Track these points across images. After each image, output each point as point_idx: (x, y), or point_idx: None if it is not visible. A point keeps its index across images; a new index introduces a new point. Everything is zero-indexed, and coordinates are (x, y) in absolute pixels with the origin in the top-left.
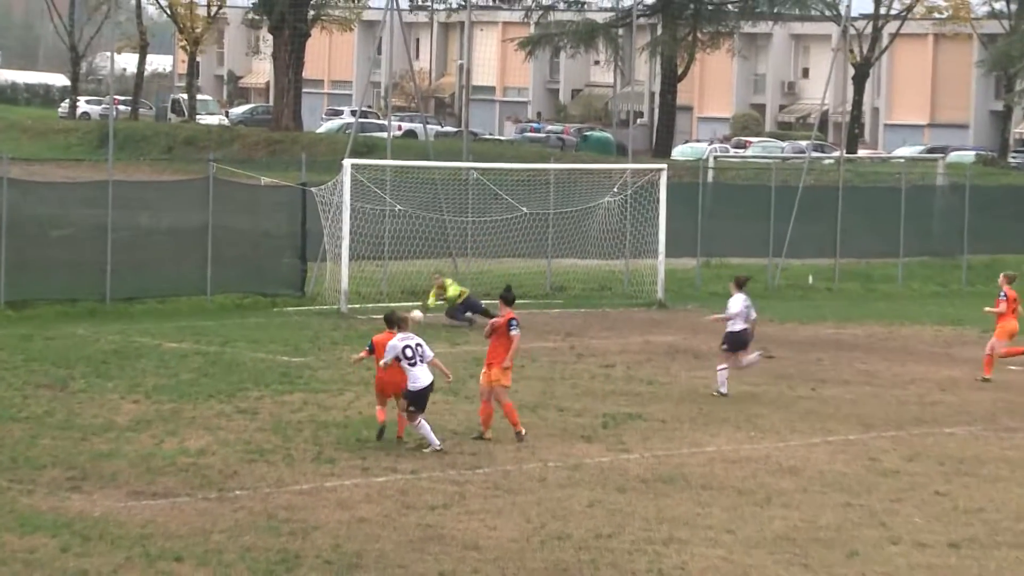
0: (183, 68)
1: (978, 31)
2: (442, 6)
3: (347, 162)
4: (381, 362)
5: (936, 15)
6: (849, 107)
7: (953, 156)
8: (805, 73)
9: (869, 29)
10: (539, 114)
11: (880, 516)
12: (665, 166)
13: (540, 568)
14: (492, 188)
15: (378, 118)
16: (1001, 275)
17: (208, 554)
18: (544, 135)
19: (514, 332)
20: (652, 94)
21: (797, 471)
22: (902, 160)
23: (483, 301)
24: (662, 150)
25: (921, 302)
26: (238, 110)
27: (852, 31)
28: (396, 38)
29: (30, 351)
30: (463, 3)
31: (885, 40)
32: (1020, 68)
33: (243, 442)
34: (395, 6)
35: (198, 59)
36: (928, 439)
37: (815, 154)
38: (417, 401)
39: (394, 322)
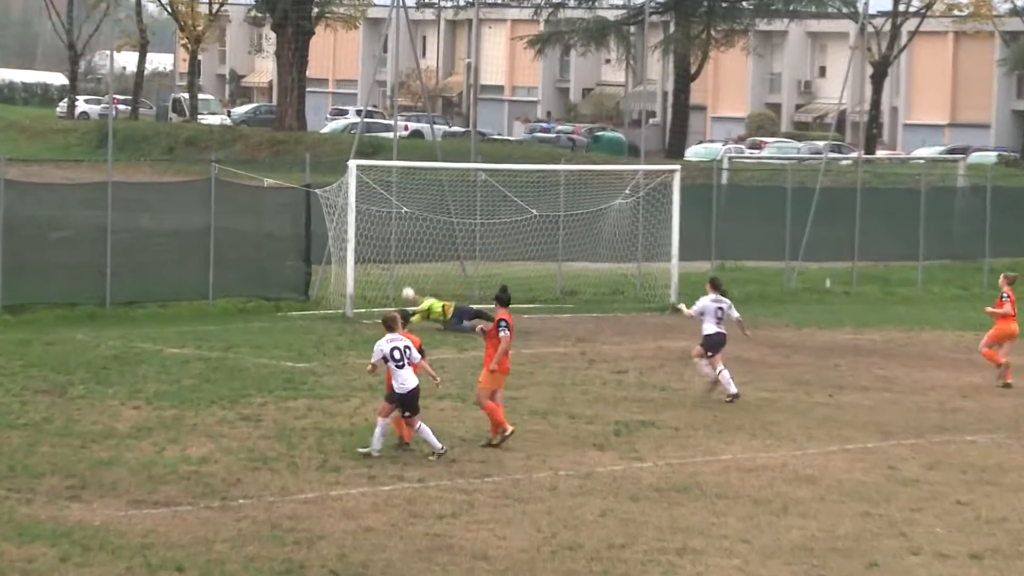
0: (184, 67)
1: (999, 28)
2: (449, 3)
3: (352, 163)
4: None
5: (956, 12)
6: (867, 107)
7: (974, 157)
8: (822, 72)
9: (888, 27)
10: (549, 114)
11: (900, 526)
12: (678, 167)
13: None
14: (501, 190)
15: (384, 118)
16: (1002, 276)
17: (211, 564)
18: (554, 135)
19: (502, 334)
20: (665, 93)
21: (814, 480)
22: (922, 161)
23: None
24: (675, 151)
25: (941, 306)
26: (240, 110)
27: (870, 29)
28: (402, 36)
29: (28, 356)
30: (471, 0)
31: (904, 38)
32: None
33: (246, 450)
34: (401, 3)
35: (199, 57)
36: (949, 447)
37: (832, 155)
38: (406, 404)
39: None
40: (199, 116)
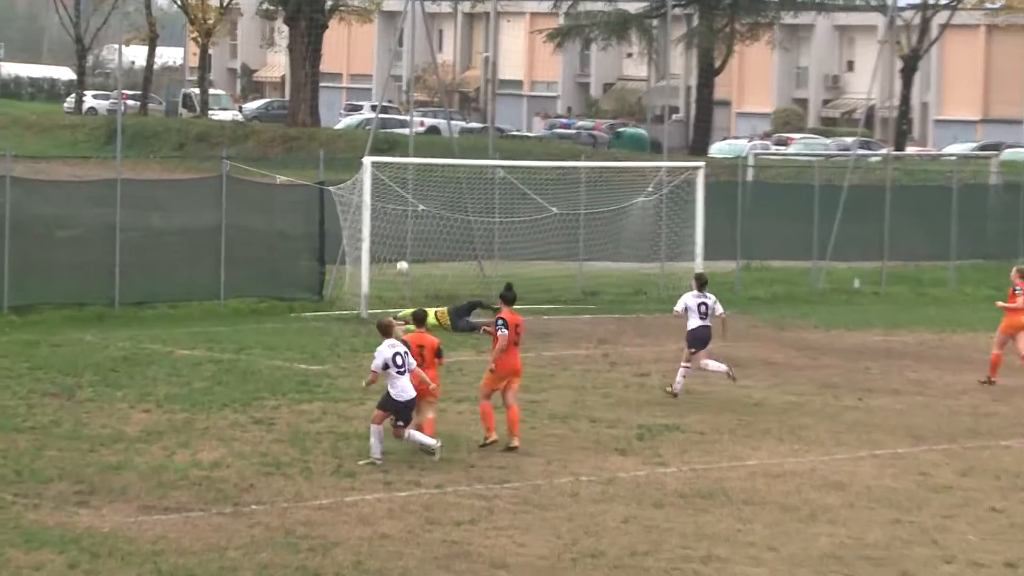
0: (194, 61)
1: None
2: None
3: (367, 160)
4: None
5: (988, 5)
6: (897, 102)
7: (1007, 153)
8: (850, 66)
9: (918, 20)
10: (569, 109)
11: (932, 534)
12: (702, 164)
13: None
14: (520, 187)
15: (400, 113)
16: (1014, 269)
17: (223, 572)
18: (574, 131)
19: (499, 332)
20: (688, 88)
21: (843, 486)
22: (953, 158)
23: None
24: (699, 147)
25: (974, 307)
26: (252, 105)
27: (899, 22)
28: (418, 29)
29: (36, 358)
30: None
31: (935, 31)
32: None
33: (259, 454)
34: None
35: (210, 52)
36: (983, 452)
37: (861, 151)
38: (401, 413)
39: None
40: (210, 112)
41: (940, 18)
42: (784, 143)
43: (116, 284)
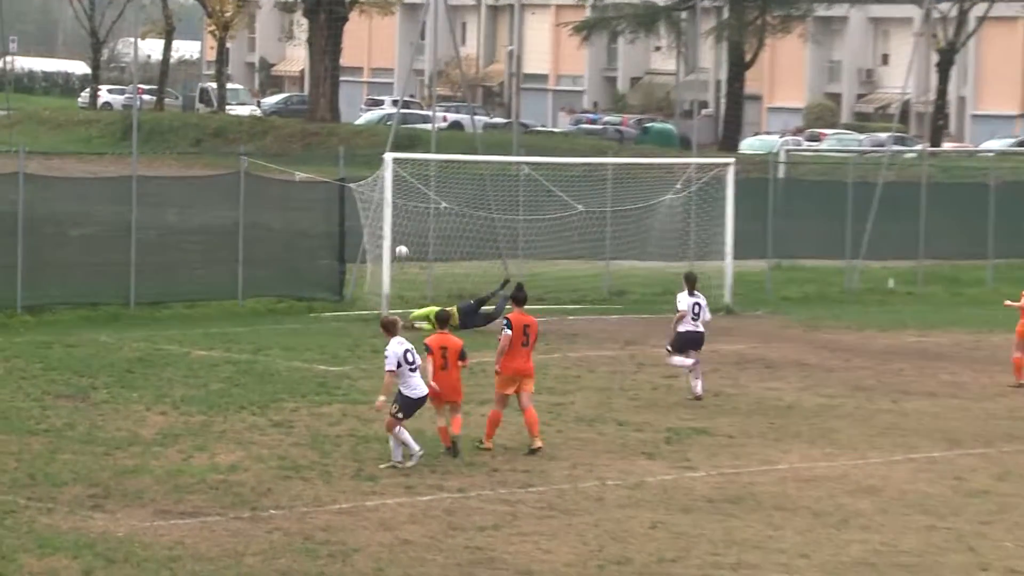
0: (212, 55)
1: None
2: None
3: (388, 156)
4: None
5: None
6: (933, 96)
7: None
8: (884, 60)
9: (954, 11)
10: (595, 104)
11: (968, 540)
12: (732, 160)
13: None
14: (545, 184)
15: (421, 108)
16: None
17: None
18: (601, 127)
19: (503, 332)
20: (718, 83)
21: (877, 491)
22: (991, 154)
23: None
24: (729, 143)
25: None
26: (271, 100)
27: (936, 14)
28: (441, 22)
29: (49, 359)
30: None
31: (972, 24)
32: None
33: (277, 457)
34: None
35: (228, 45)
36: (1020, 456)
37: (895, 147)
38: (409, 409)
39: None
40: (227, 107)
41: (978, 10)
42: (817, 139)
43: (131, 283)
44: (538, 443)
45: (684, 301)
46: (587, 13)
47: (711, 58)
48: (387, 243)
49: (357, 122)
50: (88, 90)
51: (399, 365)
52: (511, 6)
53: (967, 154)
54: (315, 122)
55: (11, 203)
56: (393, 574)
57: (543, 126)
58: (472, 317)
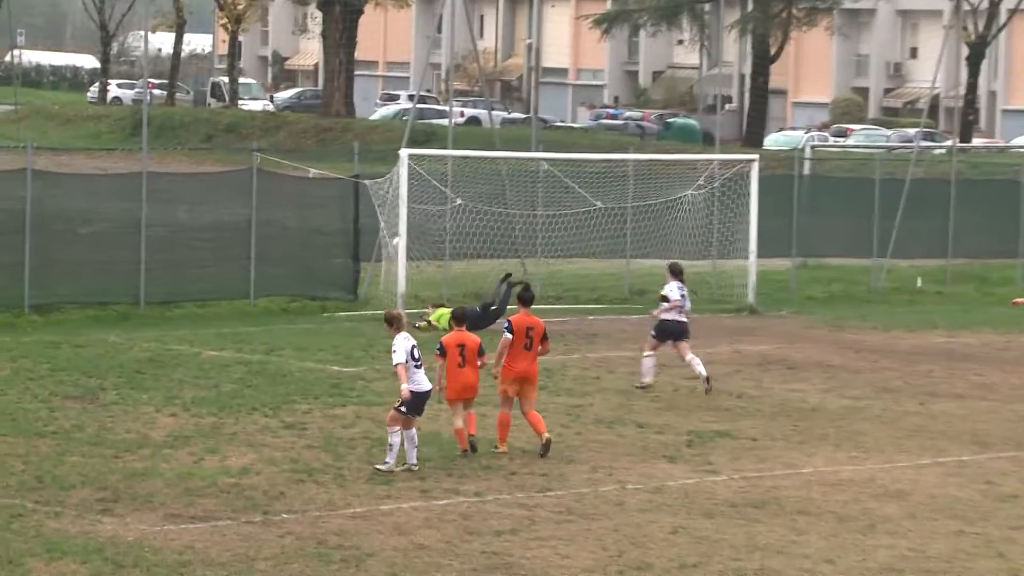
0: (224, 48)
1: None
2: None
3: (404, 152)
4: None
5: None
6: (963, 91)
7: None
8: (913, 53)
9: (985, 4)
10: (616, 99)
11: (998, 545)
12: (757, 157)
13: None
14: (565, 181)
15: (438, 103)
16: None
17: None
18: (622, 122)
19: (503, 336)
20: (742, 77)
21: (904, 495)
22: (1022, 149)
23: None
24: (753, 139)
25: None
26: (284, 95)
27: (966, 6)
28: (458, 14)
29: (57, 359)
30: None
31: (1003, 16)
32: None
33: (290, 460)
34: None
35: (240, 38)
36: None
37: (924, 143)
38: (415, 405)
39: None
40: (240, 101)
41: (1009, 2)
42: (843, 134)
43: (141, 282)
44: (546, 435)
45: (675, 291)
46: (608, 5)
47: (735, 52)
48: (403, 241)
49: (372, 117)
50: (97, 84)
51: (406, 360)
52: None
53: (997, 150)
54: (329, 117)
55: (19, 200)
56: None
57: (562, 121)
58: (480, 321)
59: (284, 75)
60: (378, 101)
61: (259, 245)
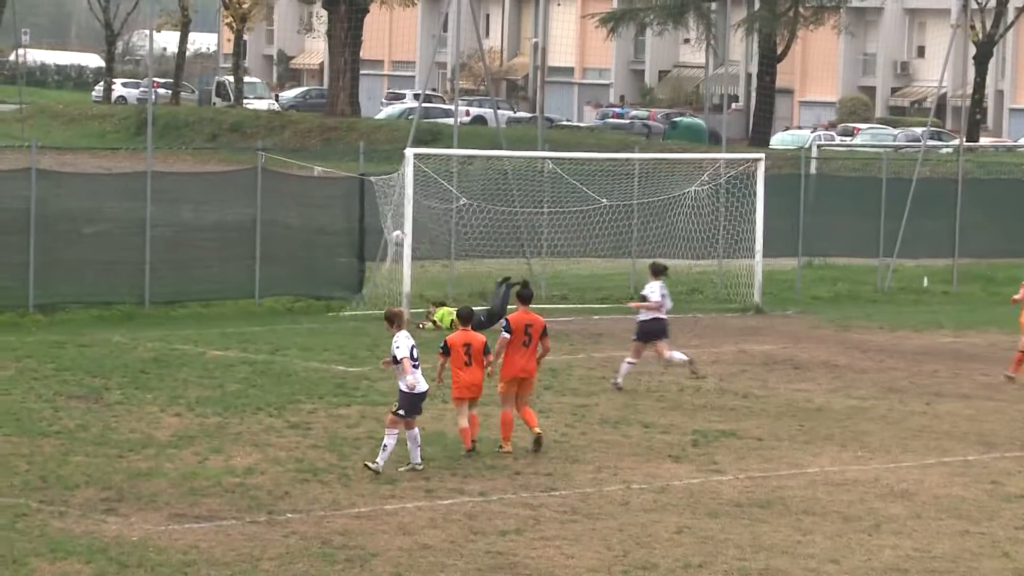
0: (229, 47)
1: None
2: None
3: (409, 151)
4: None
5: None
6: (970, 90)
7: None
8: (920, 52)
9: (993, 2)
10: (622, 98)
11: (1003, 546)
12: (763, 156)
13: None
14: (570, 181)
15: (444, 102)
16: None
17: None
18: (628, 122)
19: (501, 335)
20: (748, 76)
21: (910, 495)
22: None
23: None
24: (760, 138)
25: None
26: (289, 94)
27: (974, 5)
28: (464, 14)
29: (62, 359)
30: None
31: (1011, 15)
32: None
33: (295, 460)
34: None
35: (245, 37)
36: None
37: (931, 142)
38: (410, 406)
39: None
40: (245, 101)
41: (1017, 1)
42: (850, 133)
43: (146, 282)
44: (537, 430)
45: (657, 291)
46: (614, 4)
47: (741, 51)
48: (408, 240)
49: (377, 116)
50: (102, 84)
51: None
52: None
53: (1005, 149)
54: (334, 116)
55: (23, 199)
56: None
57: (568, 120)
58: (483, 326)
59: (289, 74)
60: (383, 100)
61: (264, 245)
